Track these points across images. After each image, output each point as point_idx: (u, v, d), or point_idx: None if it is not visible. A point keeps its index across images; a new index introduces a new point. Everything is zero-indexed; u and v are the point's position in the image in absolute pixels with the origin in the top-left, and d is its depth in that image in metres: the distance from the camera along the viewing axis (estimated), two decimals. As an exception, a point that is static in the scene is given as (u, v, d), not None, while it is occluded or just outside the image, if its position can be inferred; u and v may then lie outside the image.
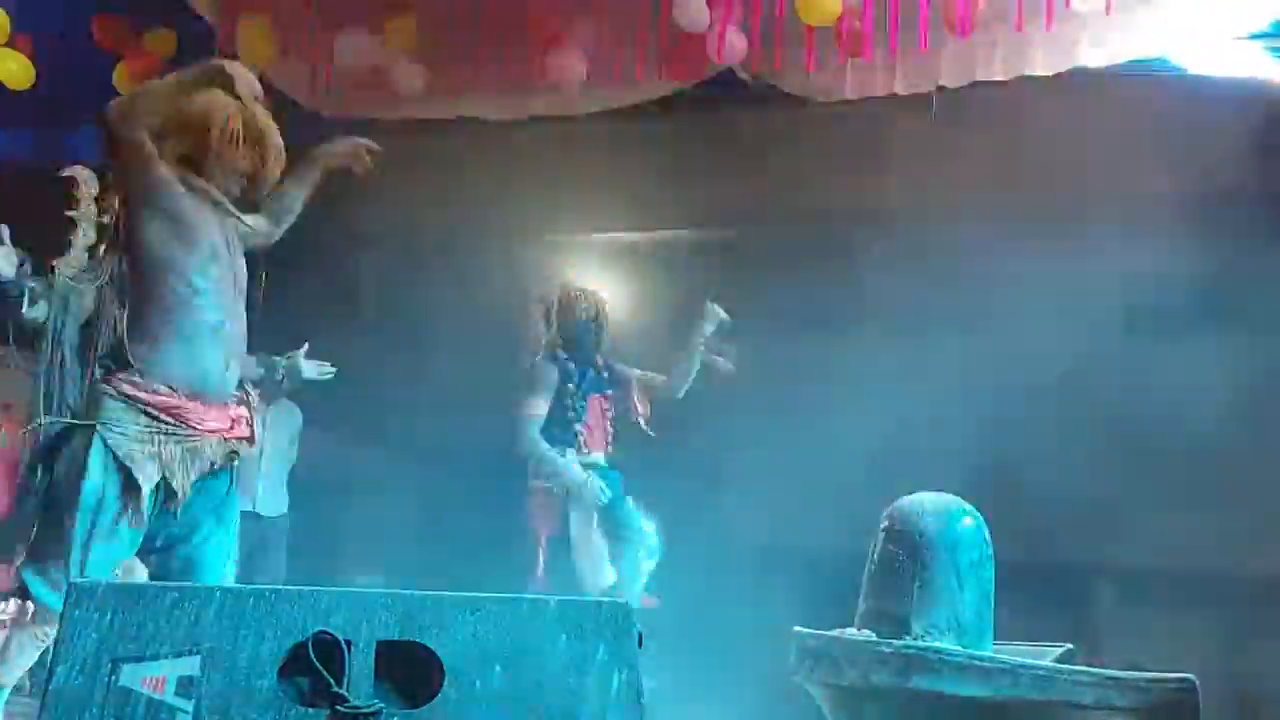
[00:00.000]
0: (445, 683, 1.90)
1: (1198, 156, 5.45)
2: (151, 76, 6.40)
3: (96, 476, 3.25)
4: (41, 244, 4.50)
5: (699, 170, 6.44)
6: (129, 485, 3.26)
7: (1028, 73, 5.39)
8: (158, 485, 3.31)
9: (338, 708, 1.84)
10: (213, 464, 3.44)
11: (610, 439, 5.41)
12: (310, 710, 1.84)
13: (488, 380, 6.43)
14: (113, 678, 1.80)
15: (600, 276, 7.05)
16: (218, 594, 1.90)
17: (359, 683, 1.87)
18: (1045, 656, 3.32)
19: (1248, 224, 5.43)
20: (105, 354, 3.43)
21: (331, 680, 1.85)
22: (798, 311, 6.57)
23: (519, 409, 5.21)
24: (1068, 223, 5.39)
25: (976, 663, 3.11)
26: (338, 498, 6.35)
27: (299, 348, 5.90)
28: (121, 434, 3.29)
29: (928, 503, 3.57)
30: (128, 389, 3.33)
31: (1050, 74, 5.35)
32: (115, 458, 3.27)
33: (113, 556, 3.30)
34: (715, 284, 6.59)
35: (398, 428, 6.54)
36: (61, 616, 1.87)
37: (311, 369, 5.62)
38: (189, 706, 1.79)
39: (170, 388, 3.36)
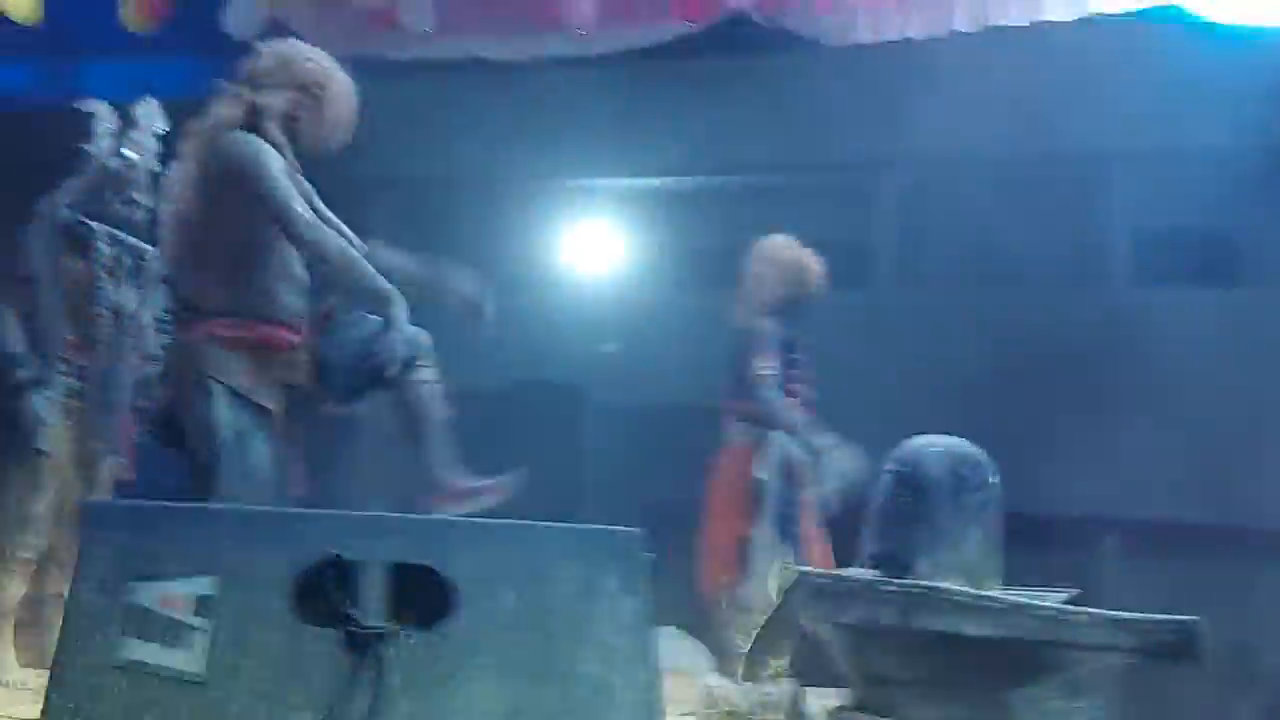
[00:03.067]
0: (456, 605, 1.92)
1: (1216, 106, 5.41)
2: (161, 13, 6.38)
3: (228, 424, 3.18)
4: (44, 180, 4.49)
5: (712, 115, 6.39)
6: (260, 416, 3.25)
7: (1041, 18, 5.34)
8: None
9: (349, 628, 1.86)
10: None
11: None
12: (323, 630, 1.86)
13: (501, 326, 6.43)
14: (131, 596, 1.82)
15: (610, 223, 7.04)
16: (231, 515, 1.92)
17: (371, 604, 1.88)
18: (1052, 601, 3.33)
19: (1266, 175, 5.40)
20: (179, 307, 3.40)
21: (344, 601, 1.87)
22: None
23: (744, 369, 4.89)
24: (1081, 170, 5.36)
25: (981, 603, 3.13)
26: (352, 432, 6.34)
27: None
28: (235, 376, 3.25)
29: (934, 445, 3.58)
30: (225, 333, 3.26)
31: (1067, 19, 5.29)
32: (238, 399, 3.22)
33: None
34: (733, 229, 6.56)
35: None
36: (81, 536, 1.89)
37: None
38: (205, 625, 1.81)
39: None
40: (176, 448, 3.28)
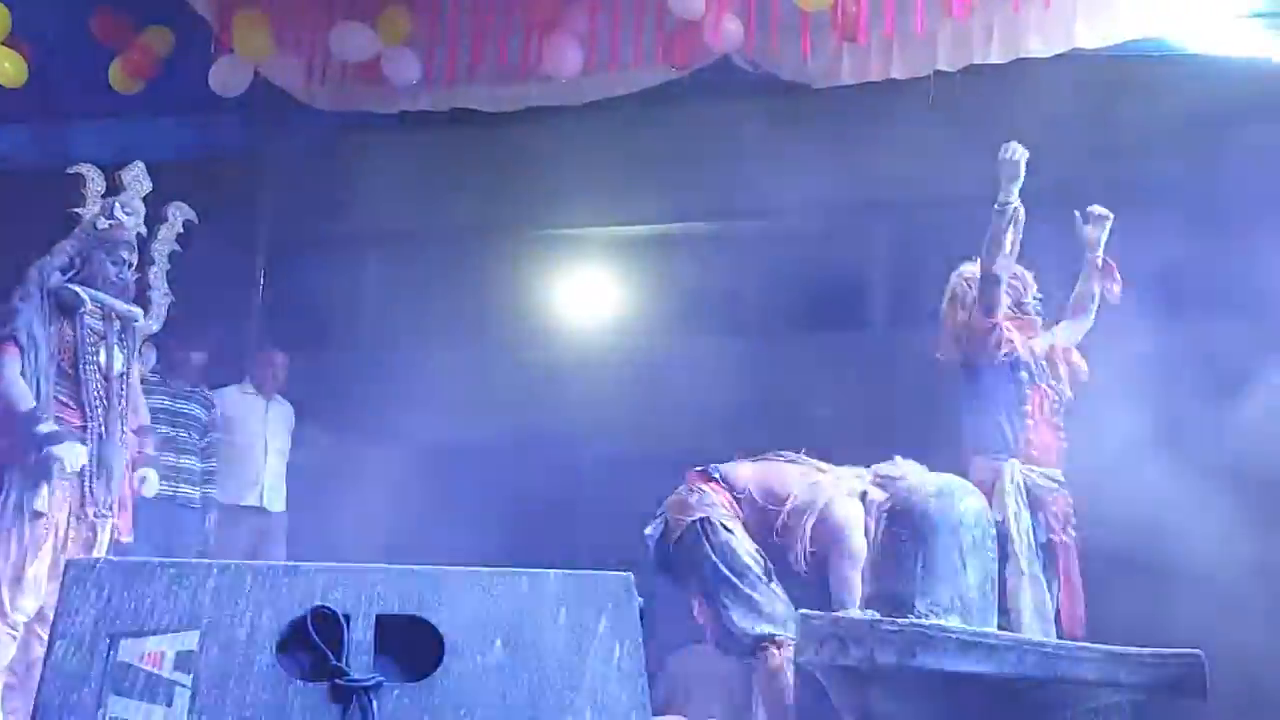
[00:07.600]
0: (445, 656, 1.89)
1: (1197, 138, 5.43)
2: (148, 73, 6.43)
3: None
4: (36, 242, 4.50)
5: (697, 160, 6.41)
6: None
7: (1025, 55, 5.38)
8: None
9: (336, 681, 1.82)
10: None
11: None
12: (309, 684, 1.83)
13: (487, 375, 6.42)
14: (111, 653, 1.79)
15: (597, 271, 7.04)
16: (215, 570, 1.89)
17: (358, 656, 1.85)
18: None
19: (1250, 206, 5.40)
20: None
21: (330, 654, 1.84)
22: (798, 303, 6.55)
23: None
24: (1064, 207, 5.34)
25: (981, 640, 3.10)
26: (333, 494, 6.31)
27: (299, 346, 5.89)
28: None
29: (929, 483, 3.56)
30: None
31: (1048, 55, 5.33)
32: None
33: None
34: (714, 276, 6.57)
35: (395, 423, 6.49)
36: (60, 594, 1.86)
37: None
38: (187, 681, 1.78)
39: None
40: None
